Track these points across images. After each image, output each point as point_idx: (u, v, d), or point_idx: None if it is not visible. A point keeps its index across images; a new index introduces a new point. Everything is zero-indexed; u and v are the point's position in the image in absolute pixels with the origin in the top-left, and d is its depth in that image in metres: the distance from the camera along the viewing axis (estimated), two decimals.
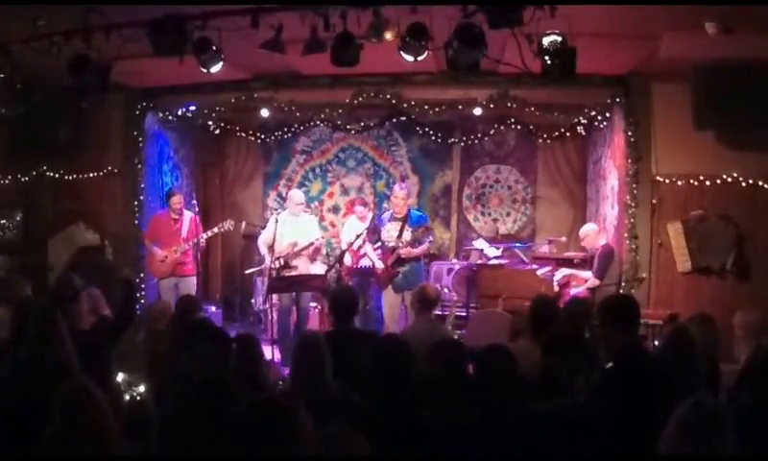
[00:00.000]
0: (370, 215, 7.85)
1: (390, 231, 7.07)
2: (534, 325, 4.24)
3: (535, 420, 2.90)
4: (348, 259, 7.62)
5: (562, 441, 2.83)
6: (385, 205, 8.96)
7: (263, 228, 8.05)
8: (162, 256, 7.29)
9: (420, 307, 4.88)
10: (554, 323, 4.20)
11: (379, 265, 7.14)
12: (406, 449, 2.90)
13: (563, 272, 7.31)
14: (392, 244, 6.99)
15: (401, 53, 4.83)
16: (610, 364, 3.41)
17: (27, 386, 3.03)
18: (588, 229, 7.37)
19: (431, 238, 7.18)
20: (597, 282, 6.84)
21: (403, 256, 6.90)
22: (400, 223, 7.03)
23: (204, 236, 7.39)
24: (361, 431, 2.23)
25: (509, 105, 7.25)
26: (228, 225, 7.56)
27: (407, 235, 6.97)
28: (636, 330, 3.59)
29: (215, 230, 7.51)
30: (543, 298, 4.86)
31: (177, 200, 7.37)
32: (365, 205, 8.13)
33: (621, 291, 6.66)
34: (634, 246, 6.77)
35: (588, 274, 7.05)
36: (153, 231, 7.49)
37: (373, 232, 7.32)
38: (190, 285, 7.31)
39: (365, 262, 7.52)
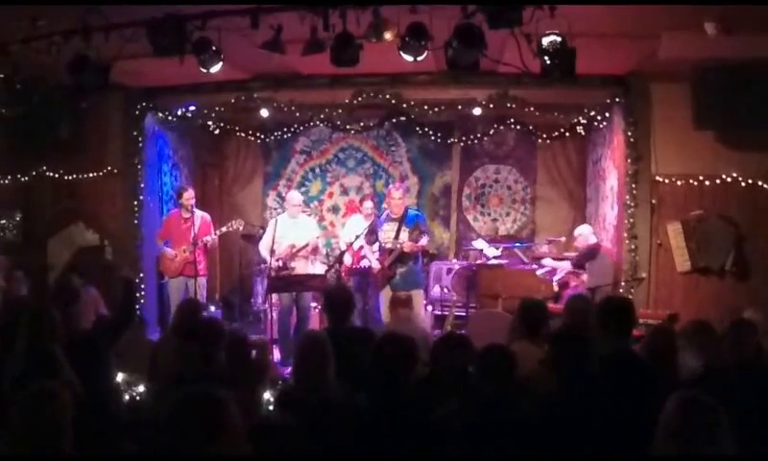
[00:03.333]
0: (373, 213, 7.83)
1: (387, 232, 7.05)
2: (526, 327, 4.11)
3: (529, 420, 2.90)
4: (348, 259, 7.62)
5: (553, 440, 2.83)
6: (384, 204, 8.95)
7: (262, 228, 8.03)
8: (172, 255, 7.28)
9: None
10: (546, 323, 4.13)
11: (376, 266, 7.13)
12: (407, 448, 2.90)
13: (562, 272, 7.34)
14: (389, 245, 6.98)
15: (401, 53, 4.82)
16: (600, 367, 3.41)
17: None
18: (581, 229, 7.40)
19: (429, 237, 7.19)
20: (570, 268, 7.19)
21: (407, 250, 6.89)
22: (397, 223, 7.01)
23: (209, 237, 7.34)
24: (362, 430, 2.22)
25: (508, 105, 7.25)
26: (237, 224, 7.54)
27: (404, 236, 6.95)
28: (628, 336, 3.59)
29: (223, 229, 7.48)
30: (531, 300, 4.61)
31: (188, 196, 7.28)
32: (373, 200, 8.13)
33: (621, 291, 6.68)
34: (633, 246, 6.77)
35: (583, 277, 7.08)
36: (164, 230, 7.49)
37: (371, 233, 7.31)
38: (200, 286, 7.24)
39: (364, 262, 7.52)
